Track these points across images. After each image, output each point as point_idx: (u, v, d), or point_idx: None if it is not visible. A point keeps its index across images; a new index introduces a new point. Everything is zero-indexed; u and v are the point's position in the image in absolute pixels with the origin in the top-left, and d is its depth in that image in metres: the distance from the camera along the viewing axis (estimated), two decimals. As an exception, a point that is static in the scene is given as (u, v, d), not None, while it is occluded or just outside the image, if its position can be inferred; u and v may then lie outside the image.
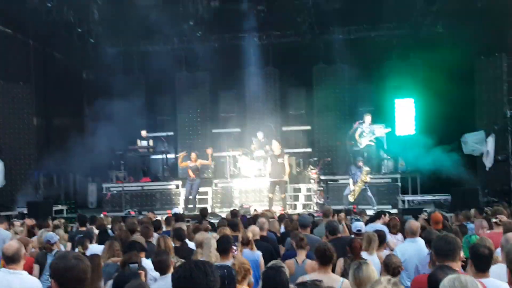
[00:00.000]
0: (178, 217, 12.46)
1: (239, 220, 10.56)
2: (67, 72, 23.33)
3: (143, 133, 21.26)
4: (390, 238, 9.25)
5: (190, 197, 18.72)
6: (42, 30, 21.31)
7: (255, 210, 15.78)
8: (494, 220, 8.26)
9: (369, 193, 17.76)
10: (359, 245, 7.29)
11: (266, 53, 22.75)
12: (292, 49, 22.81)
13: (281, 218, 12.37)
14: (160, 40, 22.82)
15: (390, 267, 6.22)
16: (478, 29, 19.69)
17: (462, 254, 5.43)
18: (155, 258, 6.47)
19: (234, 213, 12.55)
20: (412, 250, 7.49)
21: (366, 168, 17.75)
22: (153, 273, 6.44)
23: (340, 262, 7.24)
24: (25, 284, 5.56)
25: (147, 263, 6.68)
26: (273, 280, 4.77)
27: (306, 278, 6.00)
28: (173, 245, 7.99)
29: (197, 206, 18.57)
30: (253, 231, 8.57)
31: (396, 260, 6.49)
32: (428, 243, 7.01)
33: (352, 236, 8.91)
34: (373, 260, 6.87)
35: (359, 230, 8.87)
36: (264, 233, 9.34)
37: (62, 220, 13.68)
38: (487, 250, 5.41)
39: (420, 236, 8.00)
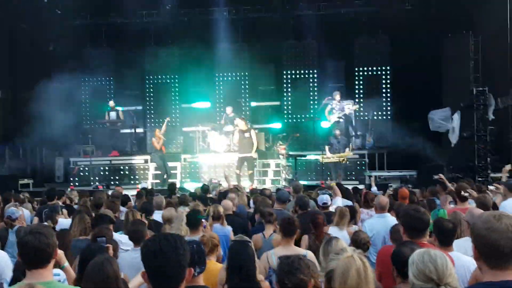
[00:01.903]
0: (148, 192, 12.43)
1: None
2: (33, 43, 22.88)
3: (111, 103, 21.07)
4: (364, 212, 9.34)
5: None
6: (8, 1, 20.85)
7: (220, 185, 15.79)
8: (465, 194, 8.35)
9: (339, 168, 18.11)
10: (321, 221, 7.24)
11: (236, 28, 22.61)
12: (262, 24, 22.73)
13: (252, 193, 12.40)
14: (129, 13, 22.52)
15: (359, 243, 6.30)
16: (446, 7, 19.86)
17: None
18: (131, 227, 6.47)
19: (205, 189, 12.52)
20: (380, 225, 7.55)
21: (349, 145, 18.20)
22: (124, 246, 6.43)
23: (305, 238, 7.24)
24: None
25: (116, 236, 6.66)
26: (239, 254, 4.80)
27: (272, 253, 6.07)
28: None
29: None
30: (225, 206, 8.60)
31: (364, 236, 6.58)
32: (397, 216, 7.08)
33: (318, 210, 8.93)
34: (342, 236, 6.95)
35: (325, 203, 8.91)
36: (234, 208, 9.36)
37: (27, 194, 13.49)
38: (451, 224, 5.52)
39: (389, 210, 8.10)
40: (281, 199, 9.24)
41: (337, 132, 18.46)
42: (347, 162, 18.54)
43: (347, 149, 18.08)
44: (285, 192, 9.83)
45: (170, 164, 19.50)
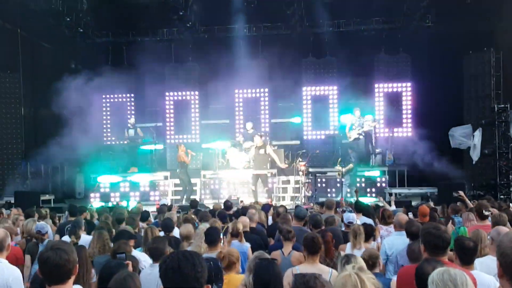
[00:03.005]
0: (168, 208, 12.45)
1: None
2: (55, 61, 23.19)
3: (131, 120, 21.21)
4: (382, 228, 9.26)
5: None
6: (31, 20, 21.15)
7: (241, 201, 15.81)
8: (486, 212, 8.28)
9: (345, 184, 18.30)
10: (330, 238, 7.21)
11: (256, 45, 22.72)
12: (281, 41, 22.78)
13: (264, 209, 12.35)
14: (149, 31, 22.74)
15: (368, 260, 6.26)
16: (467, 24, 19.76)
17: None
18: (152, 244, 6.49)
19: (228, 205, 12.48)
20: (400, 242, 7.51)
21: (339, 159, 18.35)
22: (145, 263, 6.46)
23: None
24: (4, 271, 5.54)
25: (138, 254, 6.68)
26: (267, 272, 4.75)
27: (297, 270, 6.03)
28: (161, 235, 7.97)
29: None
30: (243, 223, 8.59)
31: (373, 253, 6.53)
32: (408, 234, 7.01)
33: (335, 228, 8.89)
34: (359, 253, 6.89)
35: (351, 222, 8.87)
36: (253, 225, 9.35)
37: (48, 210, 13.60)
38: (472, 243, 5.46)
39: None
40: (299, 216, 9.21)
41: (349, 150, 18.61)
42: (342, 178, 18.55)
43: (350, 164, 18.09)
44: (303, 209, 9.79)
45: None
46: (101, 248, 7.06)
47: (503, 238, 3.13)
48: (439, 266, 3.75)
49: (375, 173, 19.51)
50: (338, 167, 18.35)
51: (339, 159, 18.55)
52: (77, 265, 3.83)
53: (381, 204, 14.04)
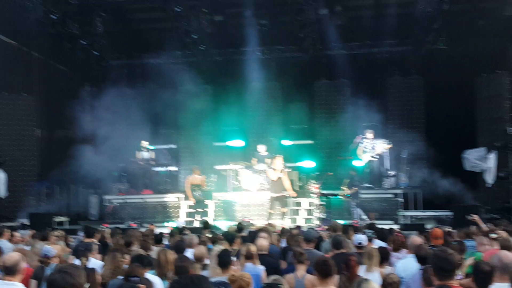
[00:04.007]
0: (180, 230, 12.47)
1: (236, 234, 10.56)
2: (70, 84, 23.42)
3: (144, 143, 21.30)
4: (394, 256, 9.17)
5: None
6: (46, 42, 21.43)
7: (252, 224, 15.77)
8: (492, 235, 8.24)
9: (352, 206, 18.21)
10: (354, 262, 7.12)
11: (269, 67, 22.81)
12: (294, 64, 22.91)
13: (283, 232, 12.34)
14: (163, 54, 22.92)
15: (388, 284, 6.22)
16: (480, 46, 19.79)
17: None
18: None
19: (240, 228, 12.47)
20: (413, 266, 7.44)
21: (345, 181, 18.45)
22: (158, 286, 6.46)
23: (335, 278, 7.17)
24: None
25: (149, 277, 6.68)
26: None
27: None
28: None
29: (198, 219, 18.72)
30: (260, 245, 8.58)
31: (393, 277, 6.49)
32: (418, 258, 6.97)
33: (353, 250, 8.85)
34: (373, 277, 6.85)
35: (360, 243, 8.84)
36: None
37: (62, 232, 13.64)
38: (489, 267, 5.44)
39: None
40: (308, 239, 9.17)
41: (352, 172, 18.54)
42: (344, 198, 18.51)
43: (355, 188, 18.28)
44: (311, 231, 9.76)
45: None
46: (114, 270, 7.06)
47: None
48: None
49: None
50: (344, 188, 18.30)
51: (345, 180, 18.52)
52: None
53: (395, 227, 13.99)
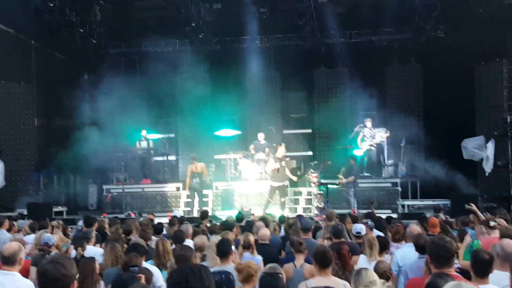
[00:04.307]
0: (179, 220, 12.45)
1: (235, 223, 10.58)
2: (68, 72, 23.35)
3: (143, 132, 21.28)
4: (393, 246, 9.16)
5: None
6: (44, 31, 21.34)
7: (252, 214, 15.79)
8: (492, 223, 8.23)
9: (350, 195, 18.25)
10: (346, 252, 7.14)
11: (268, 56, 22.76)
12: (293, 52, 22.84)
13: (282, 221, 12.35)
14: (162, 42, 22.84)
15: (379, 273, 6.23)
16: (479, 34, 19.74)
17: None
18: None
19: (240, 218, 12.45)
20: (412, 254, 7.44)
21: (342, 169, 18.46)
22: (156, 275, 6.48)
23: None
24: (16, 284, 5.54)
25: (148, 266, 6.69)
26: (269, 287, 4.74)
27: (311, 283, 6.00)
28: (172, 247, 7.95)
29: (197, 208, 18.76)
30: (263, 235, 8.59)
31: (384, 266, 6.50)
32: (417, 247, 6.96)
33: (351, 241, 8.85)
34: (372, 266, 6.85)
35: (359, 233, 8.84)
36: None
37: (61, 222, 13.66)
38: (488, 255, 5.44)
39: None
40: (305, 228, 9.16)
41: (351, 161, 18.52)
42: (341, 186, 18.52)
43: (351, 177, 18.20)
44: (308, 220, 9.78)
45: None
46: (114, 260, 7.07)
47: None
48: (450, 280, 3.73)
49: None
50: (340, 176, 18.31)
51: (343, 169, 18.53)
52: (75, 282, 3.79)
53: (394, 216, 14.00)
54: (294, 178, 18.40)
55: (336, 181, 18.36)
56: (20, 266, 5.80)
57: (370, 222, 9.96)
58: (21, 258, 5.79)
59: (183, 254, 6.40)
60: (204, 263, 7.01)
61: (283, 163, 18.02)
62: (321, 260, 6.23)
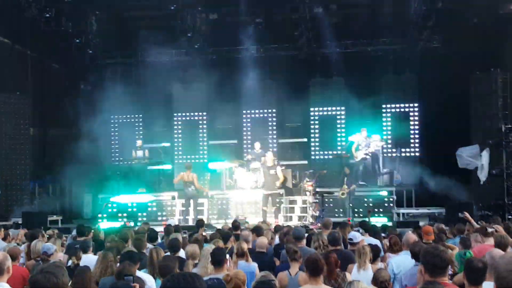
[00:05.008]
0: (175, 229, 12.43)
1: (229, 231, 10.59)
2: (64, 82, 23.38)
3: (138, 142, 21.30)
4: (390, 257, 9.15)
5: None
6: (40, 41, 21.38)
7: (246, 222, 15.77)
8: (490, 229, 8.26)
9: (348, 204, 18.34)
10: (334, 260, 7.08)
11: (263, 66, 22.78)
12: (289, 62, 22.89)
13: (277, 229, 12.36)
14: (158, 52, 22.88)
15: (378, 281, 6.25)
16: (474, 44, 19.83)
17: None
18: (162, 262, 6.56)
19: (235, 226, 12.45)
20: (407, 262, 7.45)
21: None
22: (149, 283, 6.47)
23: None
24: None
25: (143, 275, 6.69)
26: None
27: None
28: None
29: (192, 217, 18.72)
30: (261, 243, 8.61)
31: (384, 275, 6.51)
32: (414, 255, 6.98)
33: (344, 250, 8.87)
34: (365, 274, 6.88)
35: (351, 239, 8.87)
36: (250, 246, 9.26)
37: (56, 231, 13.65)
38: (481, 263, 5.45)
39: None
40: (298, 237, 9.17)
41: (346, 170, 18.61)
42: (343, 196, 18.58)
43: (353, 186, 18.37)
44: (301, 229, 9.80)
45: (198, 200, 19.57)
46: (103, 269, 7.06)
47: (499, 261, 3.14)
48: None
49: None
50: (344, 187, 18.35)
51: (345, 179, 18.58)
52: None
53: (389, 224, 14.03)
54: (281, 180, 18.40)
55: (340, 192, 18.35)
56: (8, 275, 5.76)
57: (361, 230, 10.00)
58: (8, 267, 5.75)
59: (167, 265, 6.40)
60: (195, 270, 7.03)
61: (272, 171, 18.07)
62: (312, 268, 6.24)
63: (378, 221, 16.41)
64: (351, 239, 8.86)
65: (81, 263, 7.79)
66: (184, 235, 11.38)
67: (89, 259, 8.18)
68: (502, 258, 3.17)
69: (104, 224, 17.62)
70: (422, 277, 5.90)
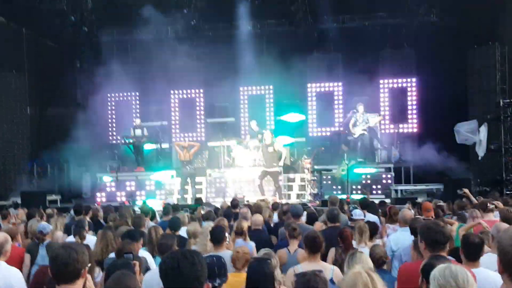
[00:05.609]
0: (173, 207, 12.45)
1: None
2: (60, 60, 23.23)
3: (137, 121, 21.24)
4: (389, 227, 9.25)
5: None
6: (35, 19, 21.20)
7: (247, 201, 15.80)
8: (490, 206, 8.27)
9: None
10: (349, 234, 7.29)
11: (260, 42, 22.67)
12: (286, 37, 22.75)
13: (275, 207, 12.38)
14: (154, 29, 22.71)
15: (374, 258, 6.27)
16: (472, 18, 19.69)
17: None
18: (161, 240, 6.58)
19: (234, 204, 12.47)
20: (405, 239, 7.48)
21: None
22: (149, 261, 6.49)
23: (332, 252, 7.27)
24: (3, 272, 5.56)
25: (141, 253, 6.70)
26: (257, 272, 4.74)
27: (298, 268, 6.02)
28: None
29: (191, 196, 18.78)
30: (256, 221, 8.62)
31: (380, 251, 6.54)
32: (413, 231, 6.99)
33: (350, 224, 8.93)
34: (364, 251, 6.89)
35: (353, 219, 8.99)
36: (249, 223, 9.29)
37: (55, 210, 13.65)
38: (478, 238, 5.47)
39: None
40: (296, 214, 9.24)
41: (344, 147, 18.63)
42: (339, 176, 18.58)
43: (352, 161, 18.41)
44: (299, 206, 9.84)
45: (196, 179, 19.59)
46: (104, 248, 7.09)
47: (503, 235, 3.14)
48: (447, 262, 3.76)
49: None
50: (345, 163, 18.29)
51: (346, 156, 18.58)
52: (87, 268, 3.82)
53: (387, 201, 14.06)
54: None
55: (340, 170, 18.34)
56: (6, 257, 5.81)
57: (357, 208, 10.06)
58: (6, 250, 5.80)
59: (165, 243, 6.41)
60: (194, 248, 7.04)
61: (271, 148, 18.05)
62: (311, 246, 6.28)
63: (376, 198, 16.45)
64: (352, 215, 8.94)
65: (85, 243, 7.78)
66: (186, 213, 11.36)
67: (90, 239, 8.17)
68: (505, 232, 3.16)
69: (102, 203, 17.63)
70: (415, 253, 5.95)
